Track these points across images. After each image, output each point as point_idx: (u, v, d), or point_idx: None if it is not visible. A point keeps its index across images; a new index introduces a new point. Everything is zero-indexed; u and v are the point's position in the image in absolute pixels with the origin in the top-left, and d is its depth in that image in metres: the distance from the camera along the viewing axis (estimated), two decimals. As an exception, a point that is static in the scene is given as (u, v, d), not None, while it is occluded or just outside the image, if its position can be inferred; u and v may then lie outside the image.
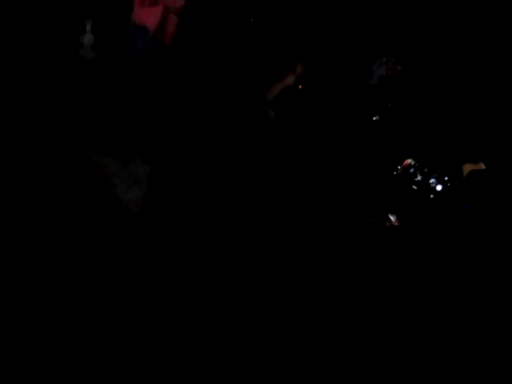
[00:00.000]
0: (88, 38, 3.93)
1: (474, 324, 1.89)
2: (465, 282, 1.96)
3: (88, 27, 3.87)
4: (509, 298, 1.88)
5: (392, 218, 2.62)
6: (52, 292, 2.51)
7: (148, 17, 2.95)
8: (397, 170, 2.90)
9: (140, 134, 3.44)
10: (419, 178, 2.85)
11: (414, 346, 1.96)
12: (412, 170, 2.82)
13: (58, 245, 2.78)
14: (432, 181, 2.79)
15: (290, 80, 2.53)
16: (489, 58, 2.81)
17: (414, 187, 2.89)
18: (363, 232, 2.83)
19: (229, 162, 3.11)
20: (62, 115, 3.38)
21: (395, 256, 2.39)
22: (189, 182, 3.21)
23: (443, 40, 2.98)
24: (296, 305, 2.67)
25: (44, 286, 2.55)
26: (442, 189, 2.71)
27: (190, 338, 2.57)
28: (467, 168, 2.23)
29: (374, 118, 2.92)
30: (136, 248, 2.85)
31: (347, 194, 3.05)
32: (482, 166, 2.18)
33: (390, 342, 2.14)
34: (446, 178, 2.72)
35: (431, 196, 2.73)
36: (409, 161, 2.76)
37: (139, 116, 3.38)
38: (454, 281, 1.98)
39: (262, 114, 2.72)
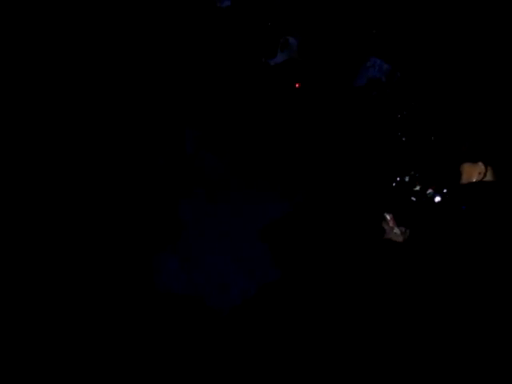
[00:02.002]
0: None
1: (474, 325, 1.76)
2: (465, 283, 1.84)
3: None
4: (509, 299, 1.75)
5: (388, 216, 2.49)
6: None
7: None
8: (394, 179, 2.82)
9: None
10: (418, 188, 2.75)
11: (414, 347, 1.84)
12: (409, 179, 2.73)
13: (57, 244, 2.76)
14: (429, 191, 2.69)
15: None
16: (482, 56, 2.77)
17: (412, 198, 2.80)
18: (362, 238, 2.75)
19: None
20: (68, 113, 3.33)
21: (394, 258, 2.29)
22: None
23: (434, 39, 2.97)
24: (297, 304, 2.61)
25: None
26: (441, 199, 2.61)
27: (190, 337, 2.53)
28: (466, 168, 2.14)
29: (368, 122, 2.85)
30: (136, 247, 2.82)
31: (343, 205, 2.97)
32: (481, 166, 2.09)
33: (390, 342, 2.03)
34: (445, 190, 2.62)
35: (430, 206, 2.63)
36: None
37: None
38: (453, 282, 1.86)
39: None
